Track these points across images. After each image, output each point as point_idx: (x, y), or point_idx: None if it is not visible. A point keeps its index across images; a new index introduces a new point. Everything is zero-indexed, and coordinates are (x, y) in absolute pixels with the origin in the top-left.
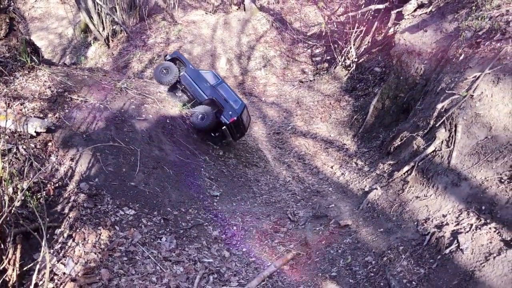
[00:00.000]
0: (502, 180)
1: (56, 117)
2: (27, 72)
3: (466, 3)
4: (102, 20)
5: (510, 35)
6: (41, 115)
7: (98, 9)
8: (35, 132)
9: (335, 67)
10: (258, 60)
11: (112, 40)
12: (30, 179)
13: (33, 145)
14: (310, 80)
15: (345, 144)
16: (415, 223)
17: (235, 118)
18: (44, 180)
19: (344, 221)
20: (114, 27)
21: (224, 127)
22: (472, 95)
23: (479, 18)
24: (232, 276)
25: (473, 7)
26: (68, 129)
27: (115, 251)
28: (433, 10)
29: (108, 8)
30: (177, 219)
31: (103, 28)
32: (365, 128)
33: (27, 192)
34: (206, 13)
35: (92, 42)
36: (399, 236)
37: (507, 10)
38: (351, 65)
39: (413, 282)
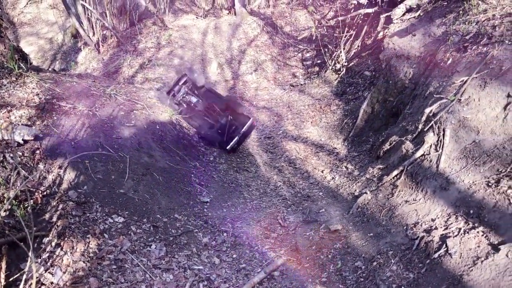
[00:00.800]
0: (490, 184)
1: (44, 124)
2: (14, 79)
3: (454, 7)
4: (92, 25)
5: (497, 40)
6: (29, 123)
7: (88, 14)
8: (22, 140)
9: (325, 71)
10: (249, 65)
11: (103, 45)
12: (17, 188)
13: (20, 153)
14: (301, 84)
15: (335, 148)
16: (405, 227)
17: (255, 123)
18: (31, 189)
19: (334, 226)
20: (104, 32)
21: (250, 120)
22: (460, 99)
23: (466, 23)
24: (222, 283)
25: (461, 12)
26: (57, 136)
27: (104, 259)
28: (421, 14)
29: (98, 13)
30: (166, 226)
31: (93, 33)
32: (355, 132)
33: (14, 201)
34: (196, 17)
35: (82, 47)
36: (389, 241)
37: (493, 15)
38: (341, 69)
39: (403, 287)
